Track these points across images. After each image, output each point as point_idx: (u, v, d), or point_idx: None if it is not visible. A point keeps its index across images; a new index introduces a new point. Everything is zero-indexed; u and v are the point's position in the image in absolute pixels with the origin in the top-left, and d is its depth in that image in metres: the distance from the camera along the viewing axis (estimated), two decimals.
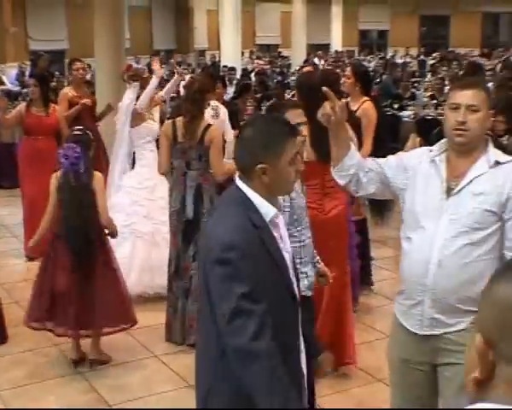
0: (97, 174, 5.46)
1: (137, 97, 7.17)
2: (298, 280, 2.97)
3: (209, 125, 5.79)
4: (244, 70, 20.12)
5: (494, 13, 37.50)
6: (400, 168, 3.36)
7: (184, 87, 7.46)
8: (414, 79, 18.97)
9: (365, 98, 6.97)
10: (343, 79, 7.39)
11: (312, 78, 5.85)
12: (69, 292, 5.33)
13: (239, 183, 2.79)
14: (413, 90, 15.89)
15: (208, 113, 7.01)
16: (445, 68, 20.11)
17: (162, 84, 9.39)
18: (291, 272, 2.84)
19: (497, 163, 3.22)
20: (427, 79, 19.18)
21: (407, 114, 12.75)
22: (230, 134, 7.49)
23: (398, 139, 9.24)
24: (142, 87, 7.25)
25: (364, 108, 6.83)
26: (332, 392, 5.13)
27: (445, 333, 3.26)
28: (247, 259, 2.60)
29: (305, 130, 5.13)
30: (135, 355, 5.78)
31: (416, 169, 3.34)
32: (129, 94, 7.19)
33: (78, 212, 5.32)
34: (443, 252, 3.16)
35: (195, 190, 5.80)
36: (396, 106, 13.34)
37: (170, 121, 6.24)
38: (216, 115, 7.21)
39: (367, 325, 6.32)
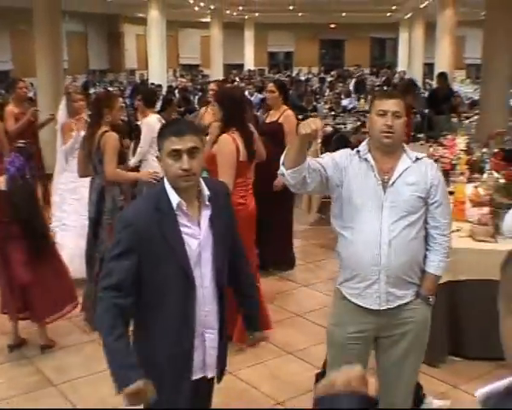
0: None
1: (71, 112, 7.15)
2: (218, 271, 2.94)
3: (104, 132, 5.61)
4: (169, 87, 19.96)
5: (380, 38, 38.32)
6: (336, 167, 3.36)
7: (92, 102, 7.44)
8: (314, 88, 19.18)
9: (285, 108, 7.06)
10: (267, 94, 7.41)
11: (233, 92, 5.88)
12: (23, 283, 5.22)
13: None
14: (315, 103, 16.07)
15: (158, 124, 7.07)
16: (341, 85, 20.43)
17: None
18: (197, 255, 2.84)
19: (417, 158, 3.36)
20: (326, 94, 19.42)
21: None
22: None
23: None
24: (68, 100, 7.20)
25: (286, 115, 6.93)
26: (248, 365, 5.13)
27: (398, 306, 3.34)
28: (131, 231, 2.75)
29: (236, 134, 5.19)
30: (75, 339, 5.65)
31: (347, 167, 3.36)
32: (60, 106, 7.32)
33: (27, 204, 5.21)
34: (391, 234, 3.24)
35: (99, 191, 5.69)
36: (300, 117, 13.39)
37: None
38: None
39: (278, 306, 6.33)
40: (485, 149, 7.37)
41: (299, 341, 5.51)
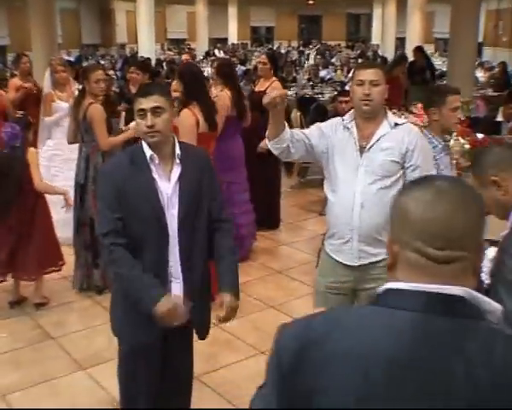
0: (31, 150, 5.25)
1: (54, 83, 7.02)
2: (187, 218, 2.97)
3: (90, 104, 5.49)
4: (158, 60, 19.76)
5: (355, 14, 37.98)
6: (321, 136, 3.40)
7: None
8: (293, 59, 19.04)
9: (274, 78, 7.00)
10: (259, 66, 7.32)
11: (193, 67, 5.94)
12: (9, 244, 5.19)
13: None
14: (294, 74, 15.96)
15: None
16: (319, 57, 20.29)
17: None
18: (166, 204, 2.90)
19: (396, 125, 3.35)
20: (305, 66, 19.29)
21: (290, 93, 12.75)
22: None
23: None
24: (52, 71, 7.04)
25: (274, 86, 6.85)
26: None
27: (371, 263, 3.33)
28: (110, 183, 2.89)
29: (196, 108, 5.17)
30: (71, 297, 5.65)
31: (332, 135, 3.39)
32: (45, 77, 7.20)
33: (8, 176, 5.13)
34: (364, 196, 3.25)
35: (86, 159, 5.61)
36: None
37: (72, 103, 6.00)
38: None
39: (261, 263, 6.36)
40: None
41: (280, 295, 5.54)
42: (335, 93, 10.47)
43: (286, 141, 3.28)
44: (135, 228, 2.86)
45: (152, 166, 2.89)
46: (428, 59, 13.42)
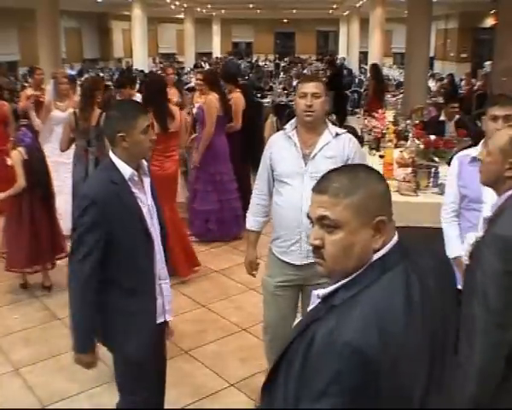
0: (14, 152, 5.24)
1: (57, 93, 6.81)
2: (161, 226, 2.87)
3: (103, 112, 5.39)
4: (150, 72, 19.61)
5: (324, 31, 38.00)
6: (268, 159, 3.31)
7: (80, 86, 7.16)
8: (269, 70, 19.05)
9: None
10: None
11: (155, 77, 6.46)
12: (36, 237, 5.19)
13: (110, 152, 2.72)
14: (271, 84, 15.95)
15: None
16: (294, 69, 20.29)
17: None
18: (149, 218, 2.73)
19: (337, 134, 3.21)
20: (280, 77, 19.27)
21: (267, 101, 12.77)
22: None
23: (260, 118, 9.27)
24: (55, 83, 6.83)
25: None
26: (217, 299, 5.16)
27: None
28: (96, 204, 2.55)
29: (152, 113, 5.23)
30: None
31: (273, 145, 3.29)
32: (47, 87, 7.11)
33: (44, 170, 5.24)
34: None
35: (95, 161, 5.52)
36: (259, 95, 13.35)
37: (72, 111, 5.78)
38: None
39: (242, 250, 6.27)
40: (408, 121, 7.39)
41: (259, 278, 5.49)
42: None
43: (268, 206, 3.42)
44: (126, 241, 2.64)
45: (130, 183, 2.66)
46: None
